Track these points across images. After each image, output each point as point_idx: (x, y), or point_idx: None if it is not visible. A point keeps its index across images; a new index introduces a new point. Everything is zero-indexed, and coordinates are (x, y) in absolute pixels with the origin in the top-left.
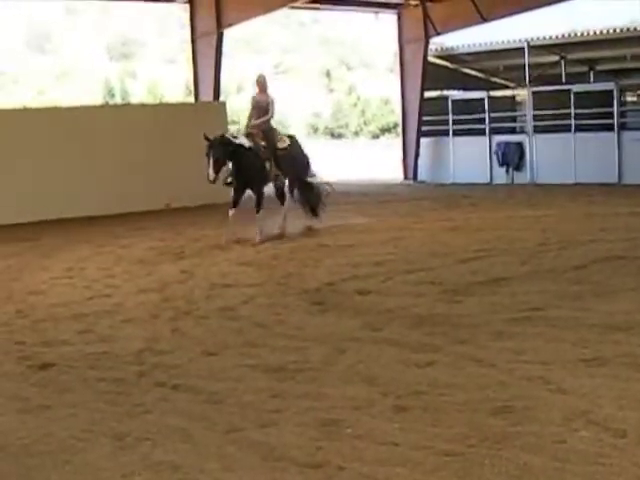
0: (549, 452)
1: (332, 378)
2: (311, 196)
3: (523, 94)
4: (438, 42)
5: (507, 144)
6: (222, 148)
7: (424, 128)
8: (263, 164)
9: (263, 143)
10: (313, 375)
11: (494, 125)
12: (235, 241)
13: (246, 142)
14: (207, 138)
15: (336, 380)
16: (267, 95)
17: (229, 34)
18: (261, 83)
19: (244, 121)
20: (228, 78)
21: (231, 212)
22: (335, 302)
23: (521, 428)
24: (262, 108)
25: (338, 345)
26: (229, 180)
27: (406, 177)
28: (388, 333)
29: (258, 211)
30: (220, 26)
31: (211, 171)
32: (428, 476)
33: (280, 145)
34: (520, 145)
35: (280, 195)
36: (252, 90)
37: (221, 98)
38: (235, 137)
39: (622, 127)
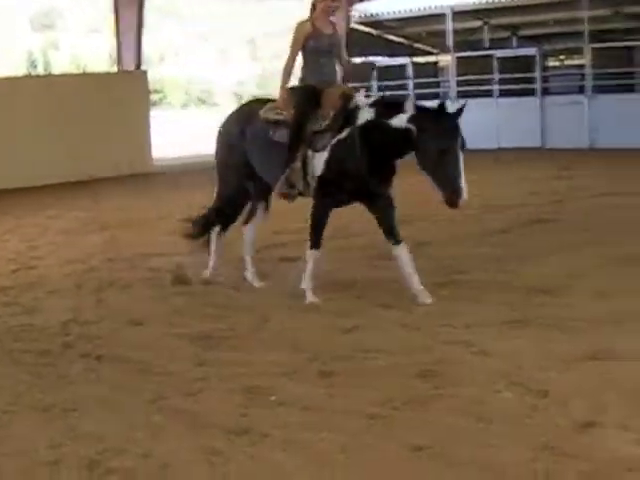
0: (473, 413)
1: (257, 346)
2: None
3: (446, 60)
4: (362, 9)
5: None
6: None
7: None
8: None
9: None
10: (238, 343)
11: (418, 91)
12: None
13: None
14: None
15: (261, 347)
16: (336, 29)
17: (152, 2)
18: (331, 5)
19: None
20: (152, 48)
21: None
22: (259, 270)
23: (444, 391)
24: (333, 53)
25: (263, 313)
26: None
27: None
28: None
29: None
30: None
31: None
32: (352, 439)
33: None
34: None
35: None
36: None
37: (143, 67)
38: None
39: (545, 92)
